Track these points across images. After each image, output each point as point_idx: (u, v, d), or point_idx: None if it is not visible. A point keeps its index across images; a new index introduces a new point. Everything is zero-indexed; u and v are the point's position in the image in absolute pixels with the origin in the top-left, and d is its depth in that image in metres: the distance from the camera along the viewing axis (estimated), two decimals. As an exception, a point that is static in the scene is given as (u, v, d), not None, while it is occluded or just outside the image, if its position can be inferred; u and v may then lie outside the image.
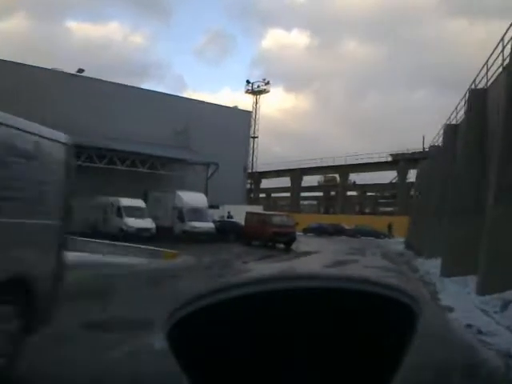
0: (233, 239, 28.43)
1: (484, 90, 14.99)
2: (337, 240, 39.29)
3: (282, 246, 25.88)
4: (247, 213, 28.79)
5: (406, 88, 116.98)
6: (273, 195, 73.80)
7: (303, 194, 70.02)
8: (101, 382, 3.87)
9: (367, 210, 63.30)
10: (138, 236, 23.17)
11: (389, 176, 56.85)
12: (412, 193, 40.40)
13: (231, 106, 44.33)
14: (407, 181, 52.81)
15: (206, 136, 34.85)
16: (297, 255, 22.44)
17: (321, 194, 68.00)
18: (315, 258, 21.34)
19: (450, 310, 9.43)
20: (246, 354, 0.57)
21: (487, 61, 14.84)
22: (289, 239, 25.90)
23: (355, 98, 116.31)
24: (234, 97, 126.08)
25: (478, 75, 16.21)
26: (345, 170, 58.07)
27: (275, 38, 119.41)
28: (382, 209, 62.55)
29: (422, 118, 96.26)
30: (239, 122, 40.60)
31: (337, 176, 61.84)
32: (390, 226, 43.60)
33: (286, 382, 0.57)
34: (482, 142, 14.09)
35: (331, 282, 0.57)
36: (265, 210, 40.64)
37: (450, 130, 19.80)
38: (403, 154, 52.94)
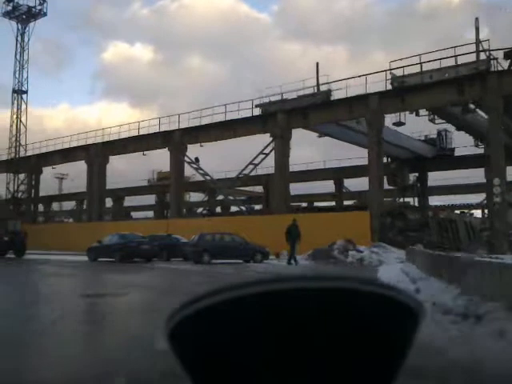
0: None
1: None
2: (162, 273, 13.62)
3: None
4: None
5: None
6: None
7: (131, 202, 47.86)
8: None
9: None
10: None
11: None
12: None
13: None
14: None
15: None
16: None
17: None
18: None
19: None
20: (248, 355, 0.57)
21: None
22: None
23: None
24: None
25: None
26: (179, 136, 32.19)
27: (117, 52, 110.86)
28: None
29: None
30: None
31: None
32: (293, 230, 18.44)
33: (288, 383, 0.57)
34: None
35: (333, 283, 0.57)
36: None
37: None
38: (284, 100, 28.97)
